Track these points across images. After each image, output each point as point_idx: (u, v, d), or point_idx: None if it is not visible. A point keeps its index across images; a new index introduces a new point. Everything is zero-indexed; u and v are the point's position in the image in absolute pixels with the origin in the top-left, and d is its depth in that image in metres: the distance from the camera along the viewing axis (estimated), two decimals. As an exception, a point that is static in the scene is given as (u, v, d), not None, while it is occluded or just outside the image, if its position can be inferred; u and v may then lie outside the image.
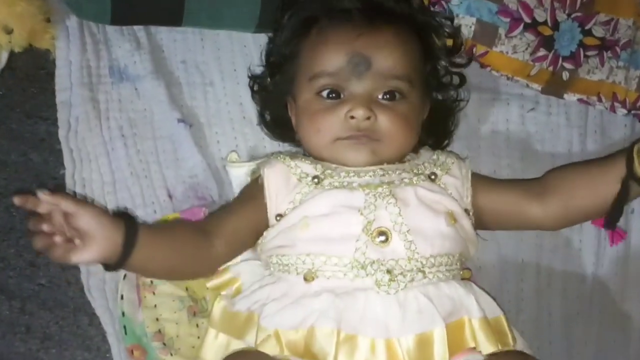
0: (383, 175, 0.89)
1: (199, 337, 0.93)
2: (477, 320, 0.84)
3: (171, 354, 0.92)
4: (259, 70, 1.05)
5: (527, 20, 1.03)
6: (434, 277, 0.85)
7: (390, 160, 0.91)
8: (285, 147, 1.04)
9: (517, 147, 1.07)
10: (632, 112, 1.07)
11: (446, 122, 1.02)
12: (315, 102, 0.91)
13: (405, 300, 0.83)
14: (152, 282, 0.94)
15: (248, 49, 1.08)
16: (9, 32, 1.02)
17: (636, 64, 1.05)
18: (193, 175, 1.02)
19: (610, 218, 0.91)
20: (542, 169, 0.99)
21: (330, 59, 0.91)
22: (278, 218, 0.89)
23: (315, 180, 0.89)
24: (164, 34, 1.08)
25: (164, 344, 0.92)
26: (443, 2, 1.03)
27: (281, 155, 0.94)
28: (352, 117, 0.89)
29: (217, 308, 0.91)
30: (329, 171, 0.90)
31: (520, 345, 0.91)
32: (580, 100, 1.07)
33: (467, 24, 1.03)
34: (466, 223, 0.90)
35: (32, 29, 1.03)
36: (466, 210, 0.91)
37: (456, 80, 1.02)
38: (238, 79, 1.07)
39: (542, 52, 1.04)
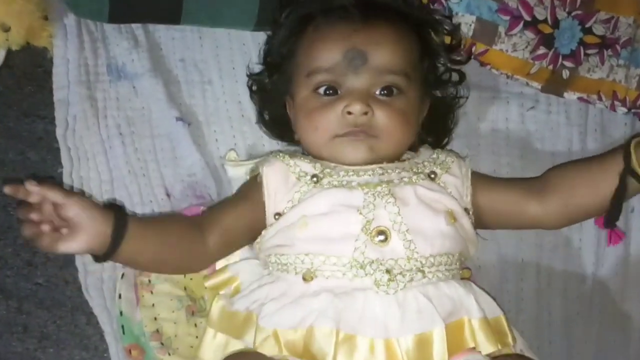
0: (382, 174, 0.89)
1: (197, 337, 0.94)
2: (477, 321, 0.84)
3: (169, 354, 0.92)
4: (257, 69, 1.04)
5: (527, 18, 1.02)
6: (434, 277, 0.85)
7: (388, 157, 0.91)
8: (284, 145, 1.04)
9: (517, 145, 1.07)
10: (632, 110, 1.07)
11: (446, 120, 1.02)
12: (313, 99, 0.91)
13: (405, 300, 0.83)
14: (150, 281, 0.94)
15: (247, 47, 1.08)
16: (7, 30, 1.01)
17: (636, 63, 1.05)
18: (191, 174, 1.02)
19: (610, 215, 0.91)
20: (542, 167, 0.99)
21: (326, 54, 0.90)
22: (277, 217, 0.89)
23: (314, 179, 0.89)
24: (162, 32, 1.07)
25: (162, 343, 0.92)
26: (443, 0, 1.02)
27: (280, 154, 0.93)
28: (349, 113, 0.88)
29: (216, 307, 0.91)
30: (328, 170, 0.90)
31: (520, 345, 0.91)
32: (580, 98, 1.07)
33: (466, 22, 1.02)
34: (466, 222, 0.90)
35: (30, 26, 1.03)
36: (466, 209, 0.91)
37: (455, 77, 1.01)
38: (237, 77, 1.07)
39: (542, 51, 1.04)
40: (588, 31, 1.04)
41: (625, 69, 1.05)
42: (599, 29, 1.04)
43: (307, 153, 0.96)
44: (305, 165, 0.91)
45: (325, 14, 0.93)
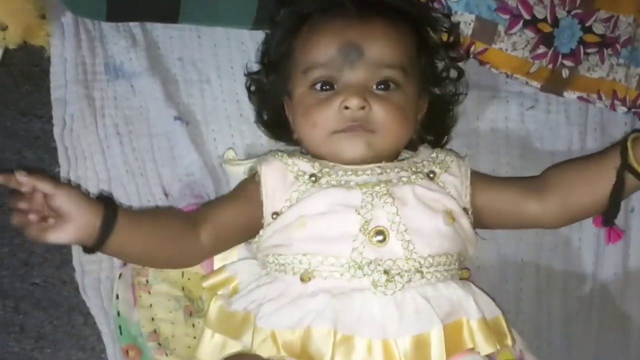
0: (381, 173, 0.89)
1: (194, 337, 0.93)
2: (476, 321, 0.83)
3: (166, 354, 0.92)
4: (255, 68, 1.04)
5: (527, 17, 1.02)
6: (432, 278, 0.85)
7: (385, 153, 0.90)
8: (283, 145, 1.03)
9: (517, 145, 1.07)
10: (632, 110, 1.06)
11: (445, 118, 1.01)
12: (310, 96, 0.91)
13: (403, 301, 0.82)
14: (147, 281, 0.94)
15: (245, 45, 1.07)
16: (4, 28, 1.01)
17: (636, 62, 1.04)
18: (189, 174, 1.02)
19: (608, 213, 0.90)
20: (541, 167, 0.99)
21: (322, 50, 0.90)
22: (274, 216, 0.89)
23: (313, 178, 0.89)
24: (160, 30, 1.07)
25: (160, 344, 0.92)
26: (442, -1, 1.02)
27: (279, 153, 0.93)
28: (347, 108, 0.88)
29: (214, 308, 0.91)
30: (327, 169, 0.89)
31: (520, 346, 0.91)
32: (580, 98, 1.07)
33: (466, 21, 1.02)
34: (465, 222, 0.90)
35: (27, 25, 1.03)
36: (465, 209, 0.90)
37: (454, 74, 1.01)
38: (235, 76, 1.06)
39: (541, 50, 1.03)
40: (588, 30, 1.04)
41: (625, 68, 1.04)
42: (598, 28, 1.04)
43: (306, 151, 0.96)
44: (304, 165, 0.90)
45: (321, 12, 0.93)
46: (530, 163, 1.05)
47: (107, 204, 0.84)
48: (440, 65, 1.00)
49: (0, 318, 0.98)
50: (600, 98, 1.06)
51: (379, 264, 0.83)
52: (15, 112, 1.04)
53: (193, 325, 0.94)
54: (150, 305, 0.93)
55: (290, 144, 1.02)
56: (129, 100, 1.04)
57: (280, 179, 0.90)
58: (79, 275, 0.98)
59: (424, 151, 0.95)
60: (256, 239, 0.91)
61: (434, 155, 0.94)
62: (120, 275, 0.95)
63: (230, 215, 0.91)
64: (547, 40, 1.03)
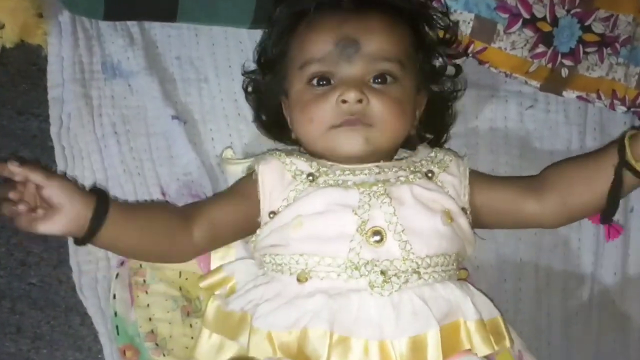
0: (379, 173, 0.88)
1: (192, 338, 0.93)
2: (473, 322, 0.83)
3: (164, 355, 0.92)
4: (253, 67, 1.04)
5: (526, 16, 1.02)
6: (430, 278, 0.84)
7: (383, 148, 0.90)
8: (282, 145, 1.03)
9: (516, 144, 1.07)
10: (632, 109, 1.06)
11: (443, 115, 1.01)
12: (307, 92, 0.91)
13: (400, 302, 0.82)
14: (144, 281, 0.94)
15: (243, 44, 1.07)
16: (1, 27, 1.01)
17: (636, 61, 1.04)
18: (187, 173, 1.01)
19: (606, 210, 0.90)
20: (540, 166, 0.99)
21: (318, 44, 0.90)
22: (271, 215, 0.89)
23: (310, 177, 0.88)
24: (157, 29, 1.07)
25: (157, 344, 0.92)
26: (441, -2, 1.02)
27: (277, 152, 0.93)
28: (344, 102, 0.88)
29: (211, 308, 0.90)
30: (324, 169, 0.89)
31: (519, 346, 0.91)
32: (579, 97, 1.06)
33: (465, 20, 1.02)
34: (463, 222, 0.89)
35: (24, 24, 1.02)
36: (463, 209, 0.90)
37: (451, 70, 1.01)
38: (233, 75, 1.06)
39: (541, 49, 1.03)
40: (587, 29, 1.03)
41: (625, 68, 1.04)
42: (598, 27, 1.04)
43: (304, 150, 0.96)
44: (302, 164, 0.90)
45: (317, 8, 0.93)
46: (529, 163, 1.05)
47: (99, 196, 0.84)
48: (437, 62, 1.00)
49: (-4, 318, 0.98)
50: (599, 97, 1.06)
51: (375, 265, 0.83)
52: (12, 111, 1.04)
53: (191, 326, 0.94)
54: (148, 305, 0.93)
55: (289, 144, 1.01)
56: (127, 99, 1.03)
57: (277, 178, 0.90)
58: (76, 275, 0.97)
59: (423, 150, 0.95)
60: (253, 238, 0.91)
61: (432, 154, 0.93)
62: (117, 275, 0.95)
63: (225, 213, 0.91)
64: (546, 39, 1.03)
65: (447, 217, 0.87)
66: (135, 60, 1.04)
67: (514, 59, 1.03)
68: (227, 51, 1.07)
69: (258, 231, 0.90)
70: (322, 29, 0.91)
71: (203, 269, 0.95)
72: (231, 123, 1.05)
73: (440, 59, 1.00)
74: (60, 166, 1.00)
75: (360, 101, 0.87)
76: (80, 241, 0.84)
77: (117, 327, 0.93)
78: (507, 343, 0.86)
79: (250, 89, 1.03)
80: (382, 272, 0.83)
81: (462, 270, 0.91)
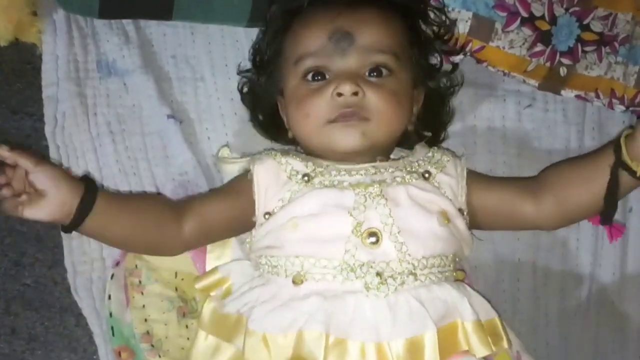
0: (375, 173, 0.88)
1: (188, 339, 0.93)
2: (470, 323, 0.83)
3: (159, 356, 0.92)
4: (249, 67, 1.03)
5: (524, 14, 1.01)
6: (426, 279, 0.84)
7: (380, 142, 0.89)
8: (279, 145, 1.02)
9: (514, 144, 1.06)
10: (630, 108, 1.06)
11: (441, 112, 1.01)
12: (302, 87, 0.90)
13: (396, 304, 0.82)
14: (140, 282, 0.94)
15: (240, 43, 1.07)
16: (-5, 25, 1.01)
17: (635, 60, 1.04)
18: (183, 173, 1.01)
19: (605, 212, 0.89)
20: (539, 166, 0.98)
21: (312, 38, 0.90)
22: (267, 216, 0.88)
23: (306, 178, 0.88)
24: (153, 27, 1.06)
25: (153, 345, 0.92)
26: (439, -4, 1.01)
27: (273, 152, 0.93)
28: (339, 95, 0.87)
29: (207, 310, 0.90)
30: (320, 169, 0.89)
31: (517, 347, 0.91)
32: (577, 96, 1.06)
33: (463, 18, 1.02)
34: (460, 223, 0.89)
35: (19, 22, 1.02)
36: (460, 210, 0.90)
37: (448, 66, 1.01)
38: (229, 74, 1.06)
39: (539, 48, 1.03)
40: (586, 28, 1.03)
41: (624, 67, 1.04)
42: (596, 26, 1.03)
43: (301, 149, 0.95)
44: (297, 164, 0.89)
45: (310, 4, 0.93)
46: (527, 162, 1.05)
47: (87, 185, 0.84)
48: (435, 59, 0.99)
49: (-9, 319, 0.98)
50: (598, 96, 1.05)
51: (371, 266, 0.83)
52: (6, 110, 1.04)
53: (187, 327, 0.94)
54: (143, 306, 0.93)
55: (285, 143, 1.01)
56: (122, 98, 1.03)
57: (273, 178, 0.89)
58: (71, 275, 0.97)
59: (420, 150, 0.94)
60: (249, 239, 0.91)
61: (429, 154, 0.93)
62: (112, 275, 0.95)
63: (217, 210, 0.90)
64: (544, 38, 1.02)
65: (444, 218, 0.87)
66: (131, 58, 1.03)
67: (512, 57, 1.03)
68: (223, 50, 1.06)
69: (254, 232, 0.89)
70: (316, 23, 0.91)
71: (199, 270, 0.95)
72: (227, 122, 1.04)
73: (437, 56, 0.99)
74: (55, 165, 1.00)
75: (356, 94, 0.87)
76: (67, 228, 0.84)
77: (112, 328, 0.93)
78: (505, 344, 0.86)
79: (245, 89, 1.02)
80: (378, 274, 0.82)
81: (459, 271, 0.90)
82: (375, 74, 0.89)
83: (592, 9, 1.03)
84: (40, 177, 0.81)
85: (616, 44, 1.03)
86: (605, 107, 1.06)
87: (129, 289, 0.93)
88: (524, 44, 1.02)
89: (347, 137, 0.88)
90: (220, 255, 0.94)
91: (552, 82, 1.05)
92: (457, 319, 0.83)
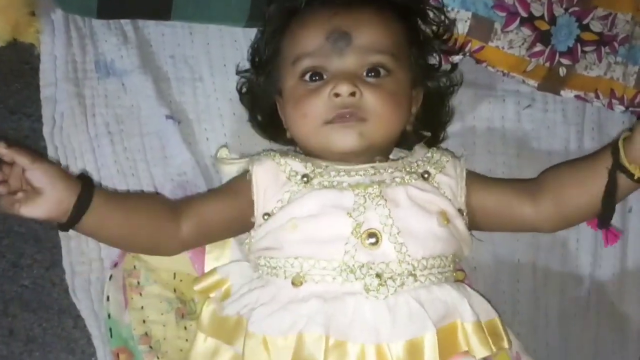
0: (374, 174, 0.88)
1: (186, 340, 0.93)
2: (470, 324, 0.83)
3: (158, 357, 0.92)
4: (247, 67, 1.03)
5: (524, 14, 1.01)
6: (426, 280, 0.84)
7: (378, 142, 0.89)
8: (278, 145, 1.02)
9: (513, 144, 1.06)
10: (630, 108, 1.05)
11: (440, 112, 1.01)
12: (300, 87, 0.90)
13: (396, 305, 0.81)
14: (139, 282, 0.93)
15: (238, 43, 1.06)
16: (-8, 25, 1.00)
17: (634, 60, 1.03)
18: (181, 173, 1.00)
19: (602, 215, 0.89)
20: (538, 166, 0.98)
21: (309, 38, 0.90)
22: (265, 217, 0.88)
23: (305, 179, 0.88)
24: (151, 27, 1.06)
25: (151, 346, 0.92)
26: (438, -4, 1.01)
27: (272, 152, 0.93)
28: (337, 95, 0.87)
29: (206, 312, 0.90)
30: (319, 170, 0.88)
31: (516, 348, 0.91)
32: (577, 96, 1.06)
33: (462, 18, 1.01)
34: (459, 223, 0.89)
35: (16, 22, 1.01)
36: (460, 210, 0.90)
37: (447, 66, 1.00)
38: (228, 74, 1.05)
39: (538, 48, 1.02)
40: (585, 28, 1.03)
41: (623, 67, 1.03)
42: (596, 26, 1.03)
43: (300, 149, 0.95)
44: (296, 165, 0.89)
45: (308, 4, 0.93)
46: (526, 163, 1.05)
47: (84, 183, 0.83)
48: (434, 59, 0.99)
49: (-12, 321, 0.97)
50: (597, 97, 1.05)
51: (371, 268, 0.82)
52: (5, 110, 1.03)
53: (185, 328, 0.94)
54: (142, 307, 0.93)
55: (284, 144, 1.01)
56: (120, 98, 1.02)
57: (272, 178, 0.89)
58: (69, 276, 0.97)
59: (419, 151, 0.94)
60: (247, 240, 0.90)
61: (429, 155, 0.93)
62: (111, 276, 0.94)
63: (216, 210, 0.90)
64: (544, 38, 1.02)
65: (443, 218, 0.86)
66: (129, 59, 1.03)
67: (511, 57, 1.03)
68: (222, 50, 1.06)
69: (252, 233, 0.89)
70: (313, 23, 0.90)
71: (198, 271, 0.95)
72: (226, 122, 1.04)
73: (436, 56, 0.99)
74: (53, 166, 0.99)
75: (353, 94, 0.86)
76: (63, 227, 0.84)
77: (110, 329, 0.92)
78: (505, 344, 0.86)
79: (244, 89, 1.02)
80: (378, 275, 0.82)
81: (459, 272, 0.90)
82: (373, 74, 0.89)
83: (592, 9, 1.03)
84: (37, 175, 0.81)
85: (616, 44, 1.03)
86: (605, 108, 1.06)
87: (128, 290, 0.93)
88: (523, 44, 1.02)
89: (345, 138, 0.87)
90: (219, 256, 0.94)
91: (551, 83, 1.05)
92: (457, 320, 0.82)
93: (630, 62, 1.03)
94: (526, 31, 1.02)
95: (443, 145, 1.01)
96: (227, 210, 0.90)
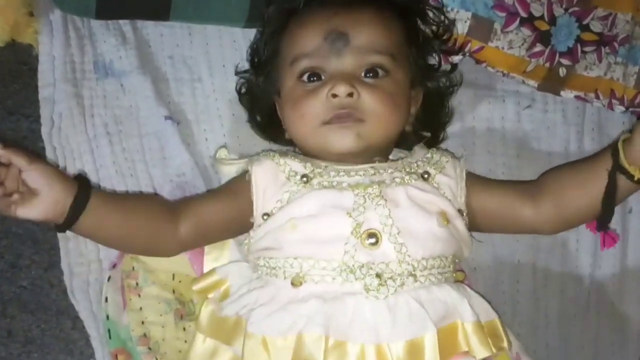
0: (374, 174, 0.87)
1: (185, 341, 0.93)
2: (470, 324, 0.82)
3: (156, 359, 0.91)
4: (246, 67, 1.03)
5: (524, 14, 1.01)
6: (426, 281, 0.84)
7: (376, 143, 0.89)
8: (277, 145, 1.02)
9: (513, 145, 1.06)
10: (630, 109, 1.05)
11: (440, 112, 1.00)
12: (298, 88, 0.90)
13: (396, 305, 0.81)
14: (137, 283, 0.93)
15: (237, 43, 1.06)
16: (-9, 26, 1.00)
17: (634, 60, 1.03)
18: (180, 174, 1.00)
19: (601, 216, 0.89)
20: (538, 167, 0.98)
21: (307, 39, 0.90)
22: (265, 217, 0.88)
23: (304, 179, 0.87)
24: (150, 28, 1.06)
25: (150, 348, 0.91)
26: (438, -4, 1.01)
27: (271, 153, 0.92)
28: (334, 96, 0.87)
29: (205, 313, 0.90)
30: (319, 170, 0.88)
31: (516, 349, 0.90)
32: (577, 97, 1.06)
33: (462, 19, 1.01)
34: (459, 224, 0.88)
35: (15, 22, 1.01)
36: (460, 211, 0.89)
37: (446, 66, 1.00)
38: (227, 74, 1.05)
39: (538, 48, 1.02)
40: (585, 28, 1.03)
41: (623, 67, 1.03)
42: (596, 26, 1.03)
43: (298, 148, 0.95)
44: (296, 165, 0.89)
45: (306, 4, 0.93)
46: (526, 163, 1.04)
47: (81, 184, 0.83)
48: (433, 59, 0.99)
49: (-13, 322, 0.97)
50: (597, 97, 1.05)
51: (371, 268, 0.82)
52: (3, 111, 1.03)
53: (184, 329, 0.93)
54: (140, 309, 0.92)
55: (283, 144, 1.00)
56: (119, 99, 1.02)
57: (271, 179, 0.89)
58: (67, 277, 0.96)
59: (419, 151, 0.94)
60: (247, 240, 0.90)
61: (428, 155, 0.92)
62: (109, 277, 0.94)
63: (215, 211, 0.90)
64: (544, 38, 1.02)
65: (443, 218, 0.86)
66: (128, 59, 1.03)
67: (511, 58, 1.03)
68: (221, 50, 1.06)
69: (252, 233, 0.89)
70: (312, 24, 0.90)
71: (196, 272, 0.94)
72: (225, 123, 1.04)
73: (436, 56, 0.99)
74: (52, 167, 0.99)
75: (351, 95, 0.86)
76: (60, 228, 0.83)
77: (109, 330, 0.92)
78: (505, 345, 0.86)
79: (243, 90, 1.02)
80: (378, 275, 0.82)
81: (459, 272, 0.90)
82: (371, 74, 0.89)
83: (592, 9, 1.03)
84: (34, 176, 0.80)
85: (616, 44, 1.03)
86: (605, 108, 1.06)
87: (126, 291, 0.92)
88: (523, 44, 1.02)
89: (342, 139, 0.87)
90: (218, 257, 0.94)
91: (551, 83, 1.05)
92: (457, 320, 0.82)
93: (630, 63, 1.03)
94: (526, 31, 1.01)
95: (443, 145, 1.01)
96: (226, 211, 0.90)
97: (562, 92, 1.06)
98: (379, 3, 0.92)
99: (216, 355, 0.87)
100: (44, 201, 0.80)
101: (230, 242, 0.95)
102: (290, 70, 0.90)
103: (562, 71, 1.04)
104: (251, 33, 1.04)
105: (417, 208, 0.85)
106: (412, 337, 0.79)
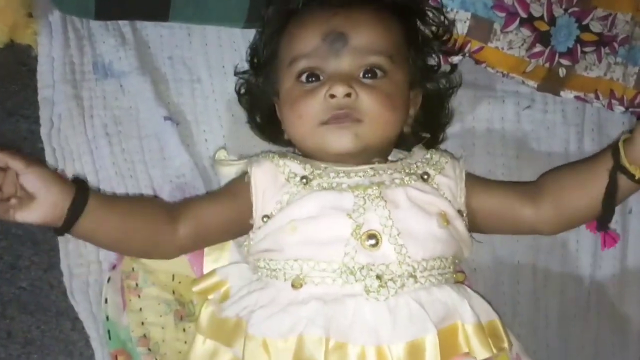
0: (373, 175, 0.87)
1: (185, 342, 0.93)
2: (471, 325, 0.82)
3: (156, 359, 0.90)
4: (245, 68, 1.03)
5: (523, 15, 1.01)
6: (426, 282, 0.83)
7: (374, 144, 0.88)
8: (277, 146, 1.02)
9: (513, 145, 1.06)
10: (630, 109, 1.05)
11: (439, 113, 1.00)
12: (296, 88, 0.90)
13: (396, 307, 0.81)
14: (137, 284, 0.93)
15: (237, 44, 1.06)
16: (-10, 27, 1.00)
17: (634, 60, 1.03)
18: (180, 175, 1.00)
19: (602, 216, 0.89)
20: (538, 168, 0.98)
21: (306, 39, 0.90)
22: (265, 219, 0.88)
23: (304, 180, 0.87)
24: (149, 29, 1.06)
25: (149, 349, 0.91)
26: (437, -4, 1.01)
27: (270, 154, 0.92)
28: (332, 96, 0.87)
29: (205, 314, 0.90)
30: (318, 171, 0.88)
31: (517, 349, 0.90)
32: (577, 97, 1.06)
33: (461, 19, 1.01)
34: (459, 224, 0.88)
35: (14, 23, 1.01)
36: (459, 212, 0.89)
37: (446, 67, 1.00)
38: (227, 75, 1.05)
39: (538, 48, 1.02)
40: (585, 28, 1.03)
41: (623, 67, 1.03)
42: (596, 26, 1.03)
43: (296, 149, 0.95)
44: (295, 166, 0.89)
45: (305, 5, 0.93)
46: (526, 164, 1.04)
47: (79, 187, 0.83)
48: (433, 60, 0.99)
49: (-14, 323, 0.97)
50: (597, 97, 1.05)
51: (371, 269, 0.82)
52: (2, 112, 1.03)
53: (184, 330, 0.93)
54: (140, 309, 0.92)
55: (283, 145, 1.00)
56: (118, 100, 1.02)
57: (270, 180, 0.89)
58: (67, 278, 0.96)
59: (418, 152, 0.94)
60: (246, 242, 0.90)
61: (428, 156, 0.92)
62: (109, 278, 0.94)
63: (214, 213, 0.90)
64: (543, 38, 1.02)
65: (443, 219, 0.86)
66: (127, 60, 1.03)
67: (511, 58, 1.03)
68: (220, 51, 1.06)
69: (251, 235, 0.89)
70: (310, 24, 0.90)
71: (196, 273, 0.94)
72: (224, 124, 1.04)
73: (435, 57, 0.99)
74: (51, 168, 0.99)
75: (348, 95, 0.86)
76: (59, 231, 0.83)
77: (108, 331, 0.92)
78: (506, 346, 0.85)
79: (243, 90, 1.02)
80: (378, 277, 0.82)
81: (459, 273, 0.90)
82: (369, 75, 0.89)
83: (592, 10, 1.03)
84: (31, 179, 0.80)
85: (615, 45, 1.03)
86: (605, 108, 1.06)
87: (126, 292, 0.92)
88: (522, 44, 1.02)
89: (340, 139, 0.87)
90: (218, 258, 0.94)
91: (551, 83, 1.05)
92: (458, 321, 0.82)
93: (630, 63, 1.03)
94: (526, 32, 1.01)
95: (442, 146, 1.01)
96: (226, 213, 0.90)
97: (561, 93, 1.06)
98: (378, 4, 0.92)
99: (216, 357, 0.87)
100: (42, 204, 0.80)
101: (230, 244, 0.95)
102: (288, 70, 0.90)
103: (561, 71, 1.04)
104: (250, 34, 1.04)
105: (417, 209, 0.85)
106: (413, 338, 0.79)
